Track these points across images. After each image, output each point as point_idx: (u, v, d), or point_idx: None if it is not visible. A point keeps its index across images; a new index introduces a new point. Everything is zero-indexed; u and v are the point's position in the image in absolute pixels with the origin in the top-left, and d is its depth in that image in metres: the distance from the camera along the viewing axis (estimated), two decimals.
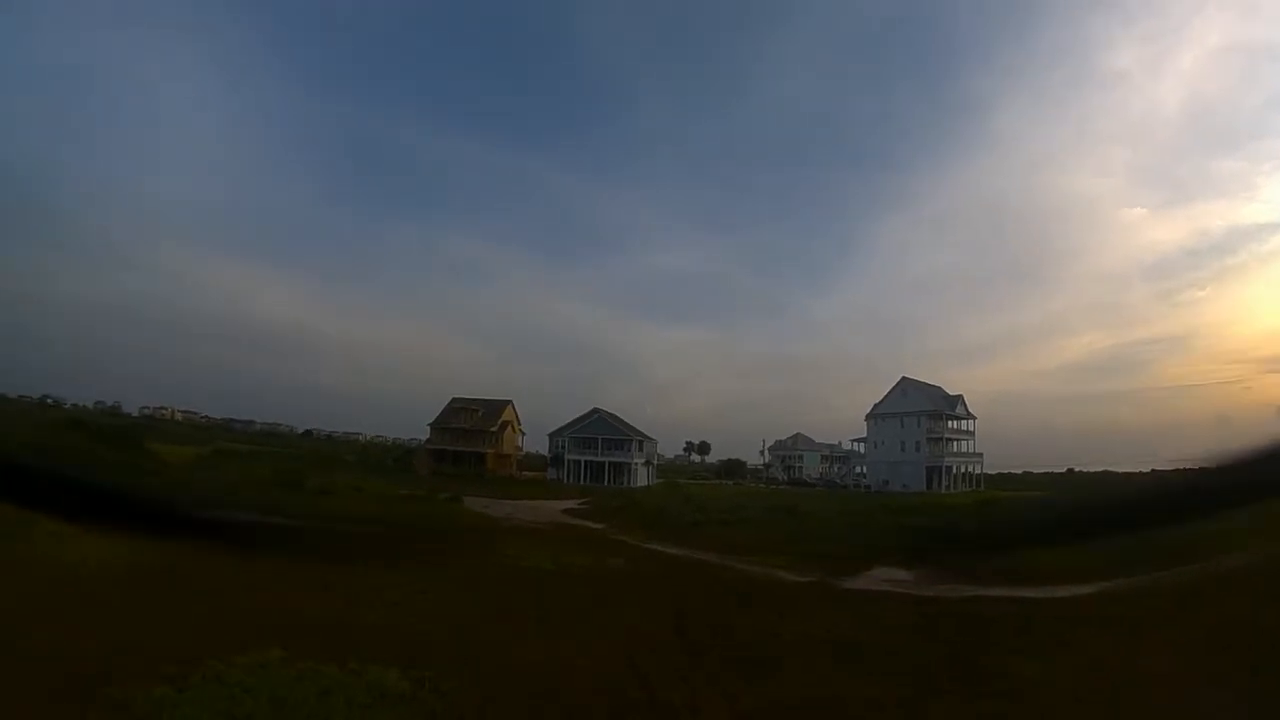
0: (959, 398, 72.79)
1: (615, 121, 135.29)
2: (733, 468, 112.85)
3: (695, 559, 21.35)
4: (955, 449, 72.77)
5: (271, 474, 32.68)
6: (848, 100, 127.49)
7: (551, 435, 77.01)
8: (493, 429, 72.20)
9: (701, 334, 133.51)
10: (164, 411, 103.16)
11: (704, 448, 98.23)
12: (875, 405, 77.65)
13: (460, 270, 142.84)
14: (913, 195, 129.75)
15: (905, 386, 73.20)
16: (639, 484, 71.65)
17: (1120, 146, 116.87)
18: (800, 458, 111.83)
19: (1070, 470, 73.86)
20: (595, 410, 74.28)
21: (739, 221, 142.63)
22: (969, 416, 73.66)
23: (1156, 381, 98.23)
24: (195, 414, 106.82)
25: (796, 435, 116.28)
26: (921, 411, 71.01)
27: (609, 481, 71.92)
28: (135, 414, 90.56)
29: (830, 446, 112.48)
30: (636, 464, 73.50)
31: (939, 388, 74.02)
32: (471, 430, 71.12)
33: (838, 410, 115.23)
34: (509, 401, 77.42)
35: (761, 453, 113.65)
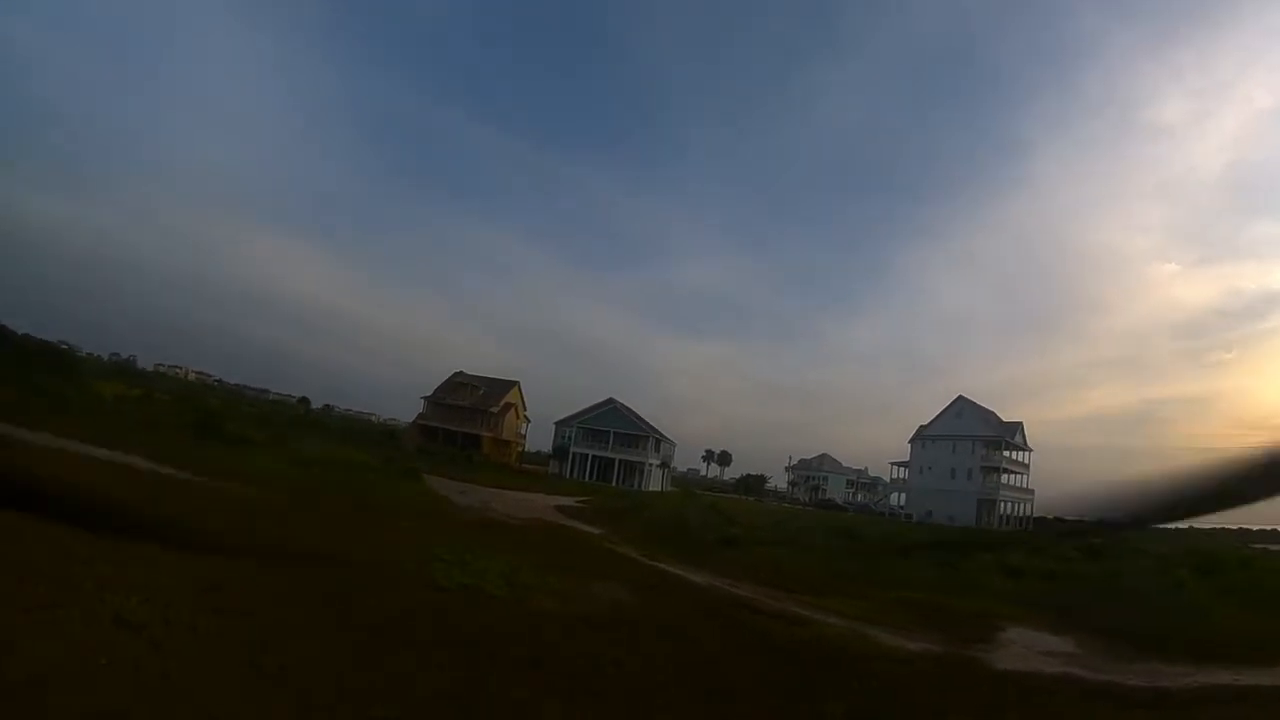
0: (1018, 425, 63.75)
1: (654, 131, 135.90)
2: (752, 484, 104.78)
3: (731, 594, 13.91)
4: (1008, 483, 63.75)
5: (189, 419, 25.75)
6: (890, 130, 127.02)
7: (558, 424, 69.64)
8: (493, 410, 65.04)
9: (721, 350, 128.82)
10: (178, 370, 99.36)
11: (725, 458, 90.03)
12: (923, 426, 68.94)
13: (486, 263, 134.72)
14: (945, 231, 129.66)
15: (961, 407, 64.44)
16: (651, 488, 63.93)
17: (1157, 201, 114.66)
18: (825, 479, 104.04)
19: (1057, 518, 65.56)
20: (610, 401, 66.68)
21: (769, 241, 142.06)
22: (1026, 448, 64.59)
23: (1176, 441, 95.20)
24: (209, 375, 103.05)
25: (823, 456, 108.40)
26: (977, 436, 62.21)
27: (618, 482, 64.22)
28: (149, 369, 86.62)
29: (856, 471, 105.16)
30: (651, 465, 65.67)
31: (994, 412, 65.09)
32: (470, 409, 64.07)
33: (856, 440, 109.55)
34: (515, 383, 70.26)
35: (788, 469, 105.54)
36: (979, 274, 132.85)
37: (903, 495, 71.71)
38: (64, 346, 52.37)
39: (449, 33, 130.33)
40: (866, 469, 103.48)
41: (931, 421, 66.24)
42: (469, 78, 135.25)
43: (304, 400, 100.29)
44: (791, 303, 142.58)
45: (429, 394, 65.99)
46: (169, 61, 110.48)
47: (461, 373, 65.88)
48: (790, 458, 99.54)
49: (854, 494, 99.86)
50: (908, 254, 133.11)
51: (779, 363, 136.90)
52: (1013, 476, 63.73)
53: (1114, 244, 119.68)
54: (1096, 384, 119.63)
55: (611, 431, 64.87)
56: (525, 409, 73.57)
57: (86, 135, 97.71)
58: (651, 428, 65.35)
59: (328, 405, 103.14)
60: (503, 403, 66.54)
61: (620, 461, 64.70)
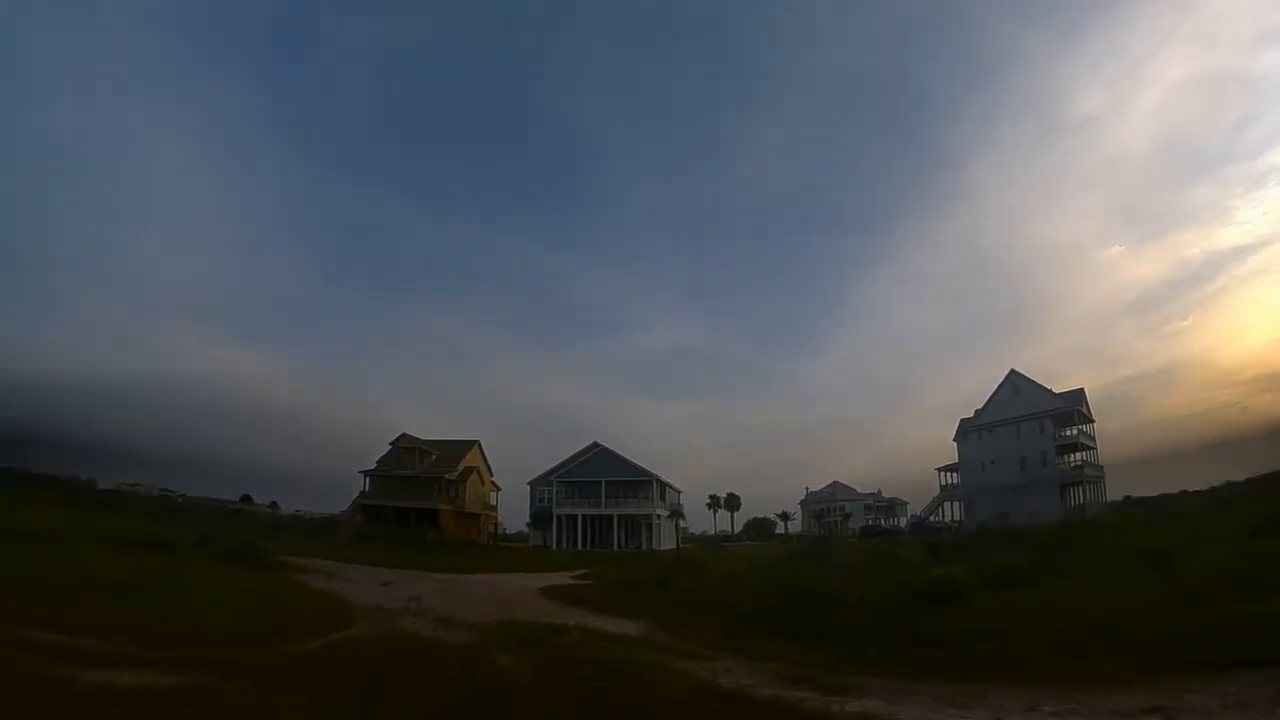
0: (1080, 393, 53.09)
1: (595, 201, 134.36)
2: (761, 527, 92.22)
3: None
4: (1086, 460, 52.65)
5: None
6: (824, 165, 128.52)
7: (534, 485, 56.45)
8: (450, 477, 51.57)
9: (698, 407, 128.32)
10: (138, 487, 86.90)
11: (732, 502, 76.58)
12: (971, 417, 58.26)
13: (446, 348, 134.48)
14: (896, 255, 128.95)
15: (1016, 383, 53.99)
16: (665, 546, 50.82)
17: (1094, 188, 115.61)
18: (842, 508, 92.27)
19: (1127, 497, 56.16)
20: (596, 445, 54.07)
21: (727, 293, 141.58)
22: (1091, 418, 53.94)
23: (1149, 417, 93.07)
24: (172, 492, 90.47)
25: (833, 484, 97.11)
26: (1045, 412, 51.49)
27: (620, 544, 50.99)
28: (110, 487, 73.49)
29: (871, 495, 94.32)
30: (659, 517, 52.61)
31: (1046, 386, 54.72)
32: (421, 479, 50.50)
33: (848, 468, 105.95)
34: (474, 443, 57.00)
35: (802, 503, 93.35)
36: (934, 290, 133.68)
37: (957, 505, 60.14)
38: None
39: (387, 127, 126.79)
40: (880, 490, 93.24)
41: (983, 407, 55.42)
42: (410, 168, 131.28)
43: (246, 498, 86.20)
44: (758, 349, 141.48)
45: (370, 467, 52.24)
46: (109, 174, 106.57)
47: (406, 435, 52.45)
48: (806, 489, 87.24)
49: (882, 518, 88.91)
50: (863, 283, 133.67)
51: (757, 409, 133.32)
52: (1087, 454, 52.63)
53: (1059, 237, 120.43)
54: (1063, 376, 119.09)
55: (603, 481, 51.90)
56: (492, 474, 60.12)
57: (23, 251, 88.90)
58: (649, 471, 52.70)
59: (273, 503, 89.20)
60: (461, 467, 53.17)
61: (620, 519, 51.52)
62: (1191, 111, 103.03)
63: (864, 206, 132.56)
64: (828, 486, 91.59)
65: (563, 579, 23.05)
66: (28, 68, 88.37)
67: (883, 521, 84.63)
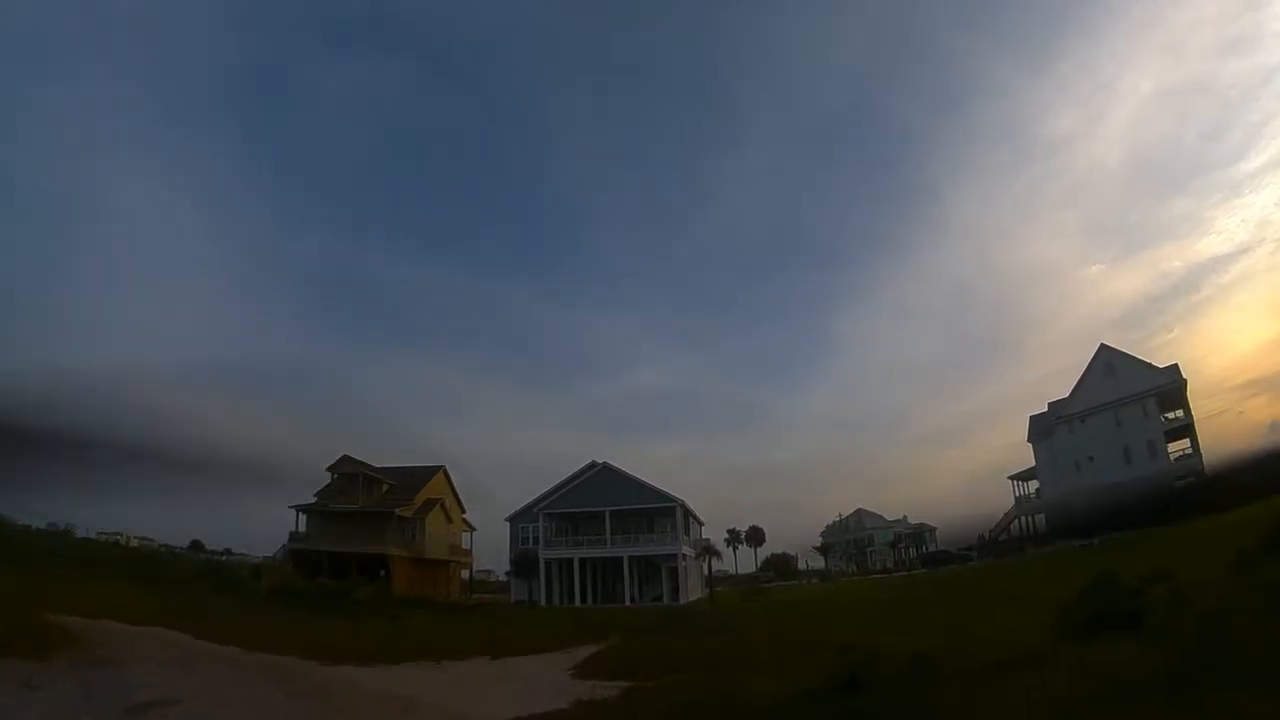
0: (1174, 368, 43.67)
1: (579, 247, 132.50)
2: (782, 564, 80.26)
3: None
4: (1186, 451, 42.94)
5: None
6: (803, 202, 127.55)
7: (514, 521, 43.84)
8: (404, 513, 38.98)
9: (689, 446, 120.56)
10: (116, 536, 74.47)
11: (756, 536, 63.60)
12: (1046, 412, 48.50)
13: (440, 402, 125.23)
14: (877, 287, 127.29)
15: (1110, 360, 44.53)
16: (689, 598, 38.84)
17: (1071, 208, 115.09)
18: (870, 538, 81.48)
19: None
20: (594, 464, 42.17)
21: (714, 333, 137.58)
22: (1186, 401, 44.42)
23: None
24: (151, 540, 78.92)
25: (858, 511, 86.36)
26: (1148, 391, 41.84)
27: (634, 595, 38.85)
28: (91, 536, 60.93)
29: (897, 521, 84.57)
30: (685, 557, 40.50)
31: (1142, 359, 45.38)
32: (367, 515, 37.86)
33: (826, 509, 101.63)
34: (438, 469, 44.56)
35: (824, 531, 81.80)
36: (918, 320, 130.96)
37: (1034, 517, 49.63)
38: None
39: (371, 176, 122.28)
40: (905, 517, 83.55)
41: (1073, 394, 45.52)
42: (393, 216, 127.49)
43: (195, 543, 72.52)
44: (746, 386, 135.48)
45: (303, 502, 39.24)
46: (86, 226, 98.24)
47: (348, 458, 39.77)
48: (840, 515, 76.07)
49: (905, 547, 78.84)
50: (845, 317, 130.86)
51: (749, 445, 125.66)
52: (1187, 442, 42.83)
53: (1038, 260, 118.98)
54: (1054, 396, 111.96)
55: (607, 512, 39.80)
56: (464, 510, 47.46)
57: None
58: (667, 493, 40.81)
59: (228, 550, 76.15)
60: (419, 500, 40.63)
61: (632, 561, 39.33)
62: (1163, 125, 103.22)
63: (842, 240, 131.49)
64: (853, 514, 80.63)
65: (557, 679, 11.61)
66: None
67: (925, 548, 73.88)
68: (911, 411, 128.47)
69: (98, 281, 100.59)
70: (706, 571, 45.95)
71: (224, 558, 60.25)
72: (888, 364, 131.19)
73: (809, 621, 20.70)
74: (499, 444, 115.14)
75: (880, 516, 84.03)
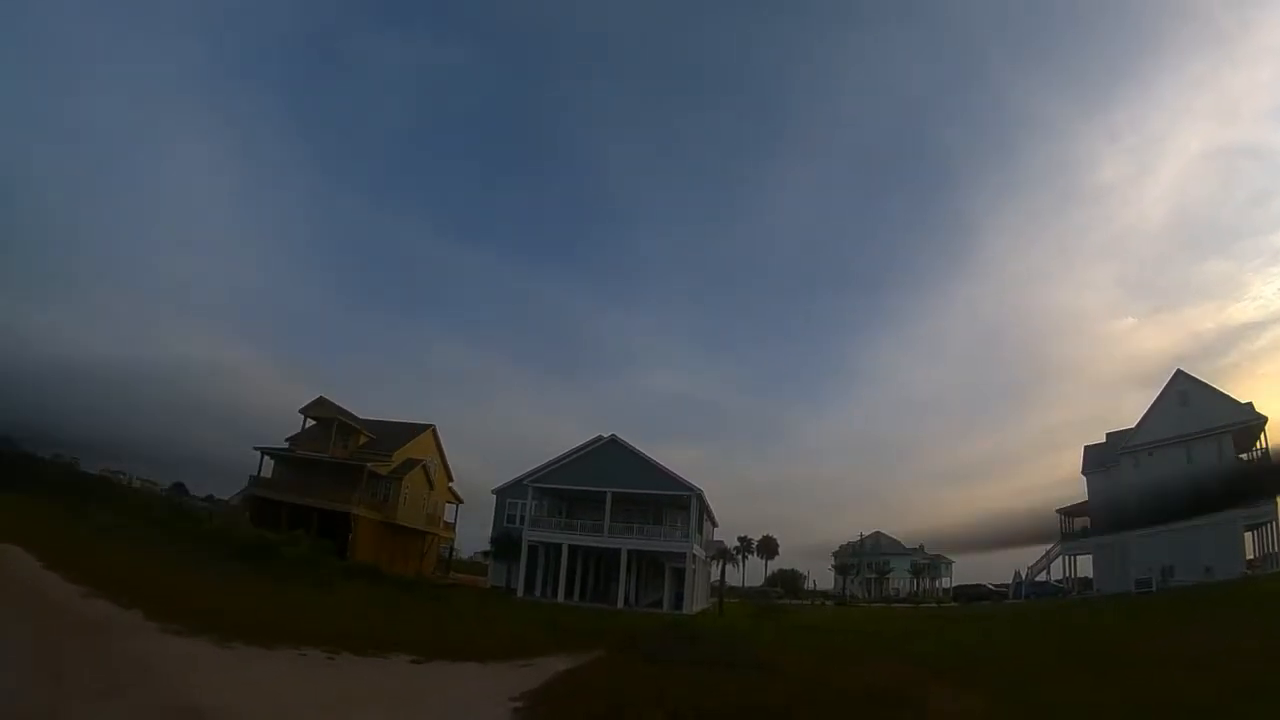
0: (1250, 405, 38.29)
1: (614, 242, 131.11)
2: (790, 580, 75.26)
3: None
4: None
5: None
6: (843, 223, 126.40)
7: (501, 494, 38.81)
8: (379, 469, 34.34)
9: (700, 453, 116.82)
10: (121, 476, 73.26)
11: (768, 547, 57.82)
12: (1103, 443, 43.07)
13: (454, 379, 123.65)
14: (905, 317, 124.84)
15: (1185, 388, 39.23)
16: (695, 607, 33.92)
17: (1108, 259, 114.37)
18: (887, 564, 76.14)
19: None
20: (600, 438, 37.12)
21: (736, 343, 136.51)
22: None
23: None
24: (153, 483, 78.17)
25: (876, 534, 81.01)
26: (1224, 427, 36.62)
27: (630, 598, 33.97)
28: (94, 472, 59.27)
29: (915, 550, 79.79)
30: (696, 559, 35.42)
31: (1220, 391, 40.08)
32: (340, 467, 33.32)
33: (835, 531, 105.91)
34: (427, 427, 39.91)
35: (837, 552, 76.56)
36: (942, 354, 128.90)
37: (1076, 558, 44.28)
38: None
39: (413, 152, 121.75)
40: (923, 546, 78.80)
41: (1142, 422, 40.00)
42: (432, 194, 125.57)
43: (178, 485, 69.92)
44: (763, 401, 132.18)
45: (271, 445, 34.80)
46: (138, 177, 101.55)
47: (324, 400, 35.18)
48: (862, 534, 70.81)
49: (924, 580, 73.85)
50: (870, 344, 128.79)
51: (760, 460, 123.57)
52: None
53: (1070, 307, 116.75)
54: (1070, 445, 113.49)
55: (608, 494, 34.70)
56: (452, 478, 42.82)
57: (51, 243, 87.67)
58: (684, 481, 35.62)
59: (179, 484, 73.92)
60: (400, 458, 35.99)
61: (633, 556, 34.32)
62: (1208, 186, 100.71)
63: (876, 266, 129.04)
64: (869, 536, 75.01)
65: (488, 716, 6.73)
66: (65, 60, 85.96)
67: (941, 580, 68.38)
68: (928, 445, 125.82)
69: (133, 220, 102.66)
70: (719, 579, 40.88)
71: (204, 502, 57.25)
72: (910, 395, 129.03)
73: (853, 656, 15.67)
74: (508, 428, 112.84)
75: (898, 543, 78.82)
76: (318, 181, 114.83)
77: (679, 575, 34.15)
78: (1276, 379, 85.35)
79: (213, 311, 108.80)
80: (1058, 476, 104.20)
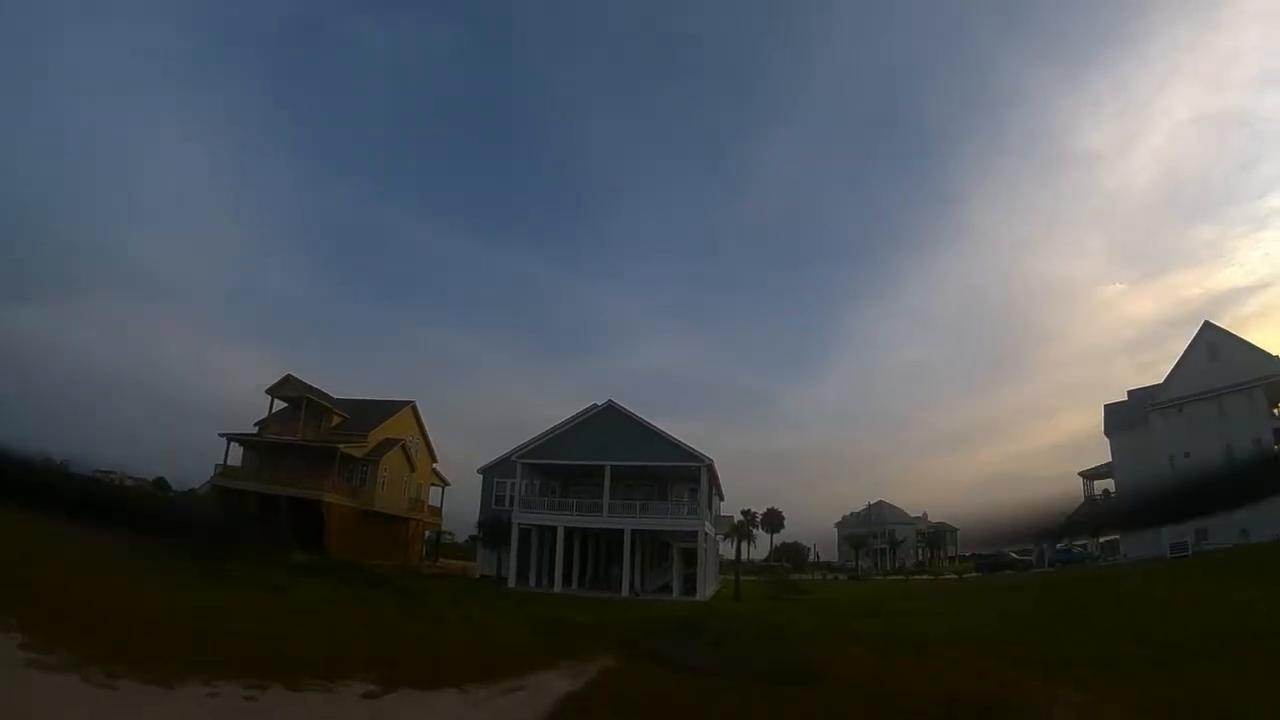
0: (1279, 359, 36.51)
1: (596, 218, 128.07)
2: (794, 555, 73.16)
3: None
4: None
5: None
6: (831, 196, 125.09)
7: (487, 473, 35.68)
8: (352, 451, 31.20)
9: (696, 427, 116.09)
10: (111, 475, 68.70)
11: (773, 520, 55.12)
12: (1124, 401, 40.91)
13: (444, 363, 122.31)
14: (893, 287, 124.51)
15: (1213, 340, 37.19)
16: (707, 592, 31.21)
17: (1095, 226, 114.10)
18: (891, 533, 74.49)
19: None
20: (595, 405, 34.10)
21: (728, 317, 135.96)
22: None
23: None
24: (144, 480, 74.98)
25: (879, 503, 79.21)
26: (1257, 380, 34.75)
27: (636, 585, 31.18)
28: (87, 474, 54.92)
29: (918, 518, 78.36)
30: (708, 537, 32.62)
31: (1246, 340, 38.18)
32: (311, 450, 30.17)
33: (833, 502, 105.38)
34: (406, 404, 36.73)
35: (839, 523, 74.65)
36: (931, 323, 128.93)
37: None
38: None
39: (401, 136, 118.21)
40: (926, 514, 77.75)
41: (1166, 380, 37.73)
42: (412, 176, 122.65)
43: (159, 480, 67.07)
44: (753, 375, 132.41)
45: (236, 431, 31.53)
46: (116, 169, 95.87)
47: (292, 379, 31.81)
48: (871, 502, 68.81)
49: (927, 547, 72.46)
50: (858, 313, 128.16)
51: (750, 433, 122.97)
52: None
53: (1058, 274, 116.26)
54: (1061, 411, 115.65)
55: (607, 467, 31.68)
56: (435, 458, 39.79)
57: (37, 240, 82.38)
58: (694, 451, 32.66)
59: (192, 490, 71.95)
60: (376, 439, 32.84)
61: (637, 537, 31.37)
62: (1195, 151, 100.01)
63: (865, 239, 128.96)
64: (873, 505, 73.21)
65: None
66: (39, 59, 79.94)
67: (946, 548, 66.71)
68: (919, 413, 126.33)
69: (119, 209, 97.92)
70: (734, 557, 38.30)
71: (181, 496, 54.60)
72: (899, 363, 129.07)
73: (914, 648, 12.96)
74: (496, 410, 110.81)
75: (902, 511, 77.21)
76: (298, 164, 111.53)
77: (688, 556, 31.46)
78: (1265, 345, 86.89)
79: (192, 299, 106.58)
80: (1051, 439, 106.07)
